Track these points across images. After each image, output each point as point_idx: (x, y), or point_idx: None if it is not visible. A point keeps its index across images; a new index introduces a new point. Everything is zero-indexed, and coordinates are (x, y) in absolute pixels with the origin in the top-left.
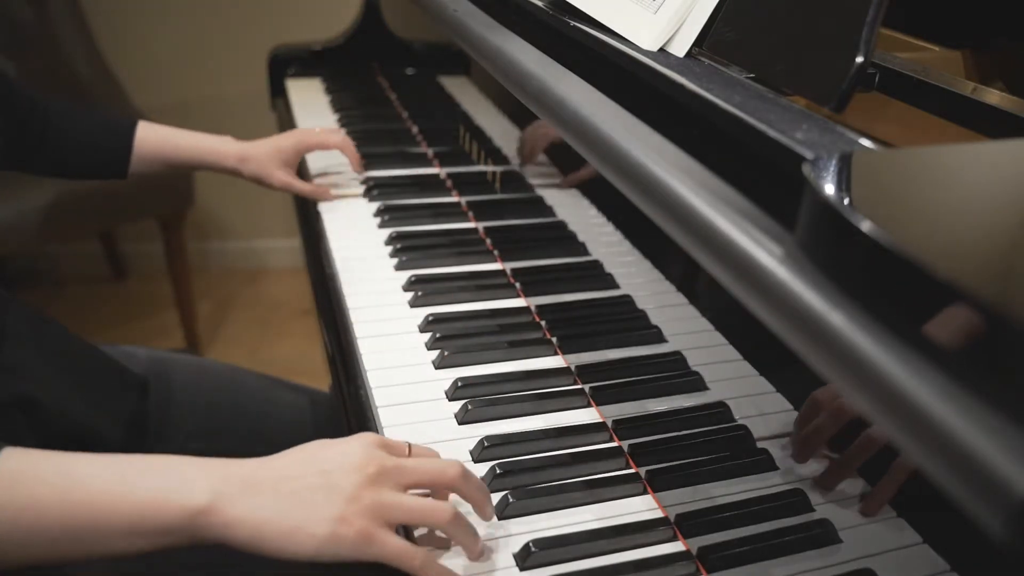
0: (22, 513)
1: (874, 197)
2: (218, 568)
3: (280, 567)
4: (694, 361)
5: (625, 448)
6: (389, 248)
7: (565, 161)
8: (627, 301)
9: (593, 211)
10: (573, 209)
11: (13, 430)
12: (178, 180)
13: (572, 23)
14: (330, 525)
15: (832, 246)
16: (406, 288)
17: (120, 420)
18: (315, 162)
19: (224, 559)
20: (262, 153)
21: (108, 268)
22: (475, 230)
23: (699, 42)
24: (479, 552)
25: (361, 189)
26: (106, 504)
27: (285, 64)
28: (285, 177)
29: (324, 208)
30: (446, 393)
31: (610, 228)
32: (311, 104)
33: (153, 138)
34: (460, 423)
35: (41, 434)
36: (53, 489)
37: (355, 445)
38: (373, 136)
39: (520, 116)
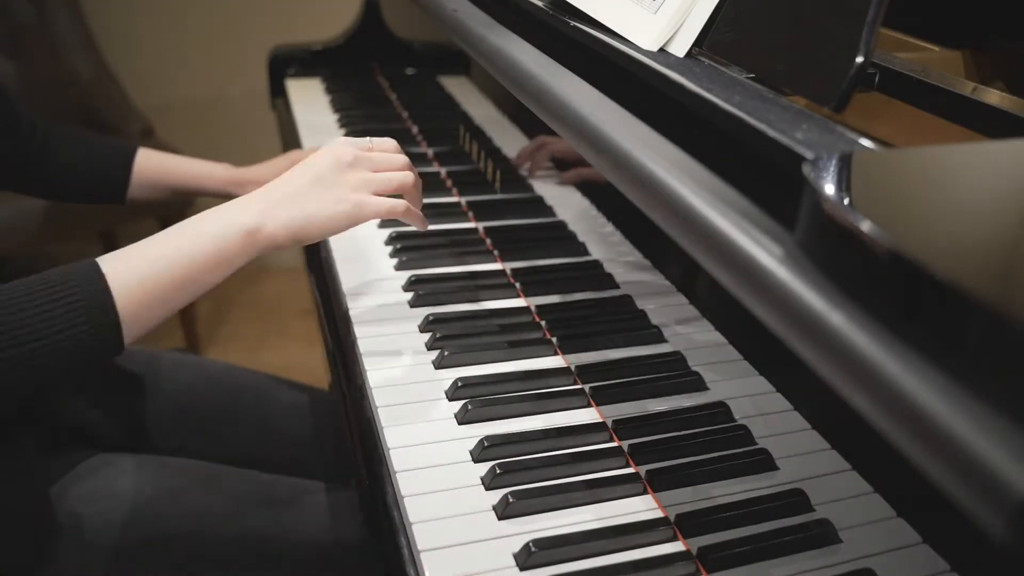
0: (144, 292)
1: (874, 197)
2: (235, 556)
3: (294, 549)
4: (694, 361)
5: (625, 448)
6: (389, 248)
7: (564, 160)
8: (627, 301)
9: (593, 211)
10: (573, 209)
11: (12, 422)
12: None
13: (572, 23)
14: (334, 205)
15: (832, 246)
16: (406, 288)
17: (119, 418)
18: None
19: (240, 551)
20: (258, 175)
21: None
22: (475, 230)
23: (699, 42)
24: (423, 218)
25: None
26: (190, 253)
27: (285, 64)
28: None
29: None
30: (446, 393)
31: (610, 228)
32: (311, 104)
33: (151, 165)
34: (460, 423)
35: (40, 427)
36: (153, 262)
37: (332, 147)
38: (373, 136)
39: (520, 116)
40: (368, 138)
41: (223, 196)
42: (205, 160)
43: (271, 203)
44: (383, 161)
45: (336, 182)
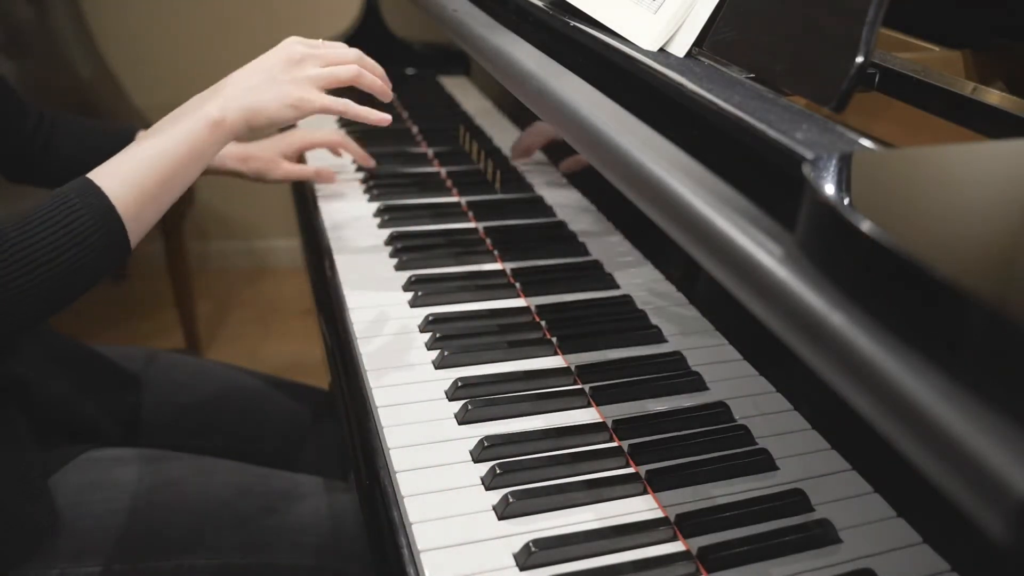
0: (138, 195)
1: (874, 197)
2: (233, 546)
3: (292, 540)
4: (694, 361)
5: (625, 448)
6: (389, 248)
7: (564, 158)
8: (627, 301)
9: (593, 211)
10: (573, 209)
11: (7, 414)
12: None
13: (572, 23)
14: (281, 99)
15: (832, 246)
16: (406, 288)
17: (117, 417)
18: (313, 162)
19: (239, 541)
20: (264, 150)
21: None
22: (475, 230)
23: (699, 42)
24: (387, 91)
25: (361, 188)
26: (169, 151)
27: None
28: (287, 167)
29: (324, 208)
30: (446, 393)
31: (610, 228)
32: None
33: None
34: (460, 423)
35: (38, 420)
36: (138, 167)
37: (282, 45)
38: (373, 136)
39: (520, 116)
40: (320, 39)
41: (228, 172)
42: None
43: (229, 96)
44: (331, 56)
45: (284, 79)
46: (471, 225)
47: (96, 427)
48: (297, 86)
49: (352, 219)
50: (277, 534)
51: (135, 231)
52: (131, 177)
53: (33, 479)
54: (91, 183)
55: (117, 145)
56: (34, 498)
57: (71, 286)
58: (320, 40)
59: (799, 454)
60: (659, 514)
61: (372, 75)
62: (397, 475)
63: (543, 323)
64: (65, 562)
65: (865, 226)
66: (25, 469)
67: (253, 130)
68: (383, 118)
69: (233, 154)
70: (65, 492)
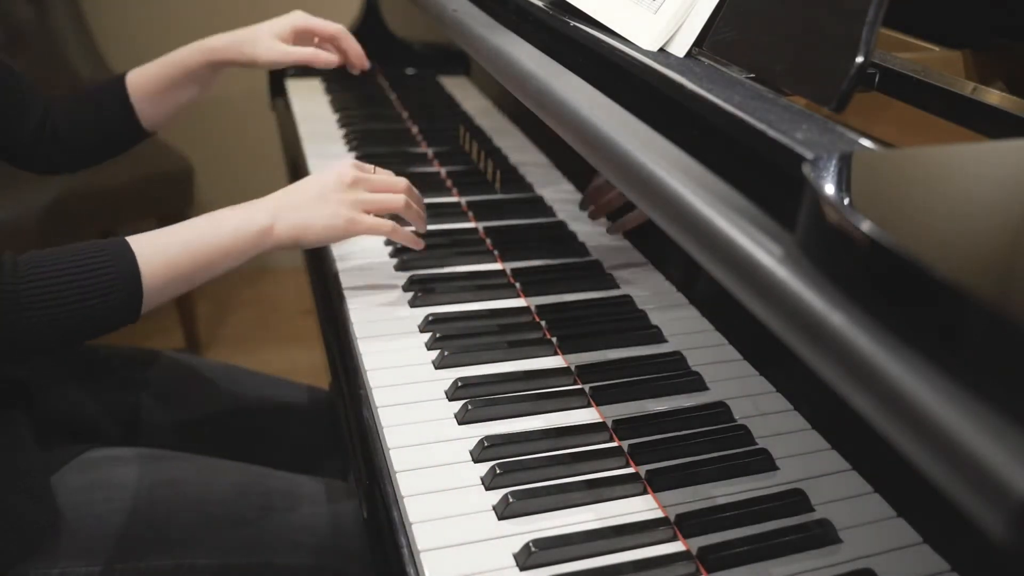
0: (167, 271)
1: (874, 197)
2: (234, 544)
3: (293, 539)
4: (694, 361)
5: (625, 448)
6: (389, 248)
7: (566, 162)
8: (627, 301)
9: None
10: (573, 209)
11: (8, 414)
12: (178, 180)
13: (572, 23)
14: (330, 219)
15: (832, 246)
16: (406, 288)
17: (117, 417)
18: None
19: (240, 539)
20: (255, 32)
21: None
22: (475, 230)
23: (699, 42)
24: (424, 223)
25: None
26: (211, 241)
27: None
28: (281, 46)
29: None
30: (446, 393)
31: (610, 227)
32: (311, 104)
33: (144, 78)
34: (460, 423)
35: (39, 420)
36: (177, 245)
37: (337, 168)
38: (373, 136)
39: (520, 116)
40: (373, 166)
41: (228, 65)
42: (181, 47)
43: (281, 208)
44: (381, 183)
45: (335, 199)
46: (471, 225)
47: (96, 427)
48: (347, 207)
49: None
50: (277, 534)
51: (150, 303)
52: (167, 252)
53: (34, 479)
54: (128, 246)
55: (109, 100)
56: (35, 498)
57: (75, 331)
58: (372, 167)
59: (799, 454)
60: (659, 514)
61: (416, 207)
62: (397, 475)
63: (543, 323)
64: (66, 561)
65: (865, 226)
66: (26, 469)
67: (299, 246)
68: (421, 244)
69: (224, 43)
70: (66, 492)
